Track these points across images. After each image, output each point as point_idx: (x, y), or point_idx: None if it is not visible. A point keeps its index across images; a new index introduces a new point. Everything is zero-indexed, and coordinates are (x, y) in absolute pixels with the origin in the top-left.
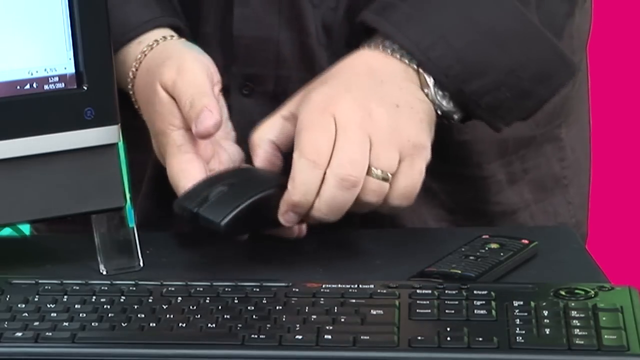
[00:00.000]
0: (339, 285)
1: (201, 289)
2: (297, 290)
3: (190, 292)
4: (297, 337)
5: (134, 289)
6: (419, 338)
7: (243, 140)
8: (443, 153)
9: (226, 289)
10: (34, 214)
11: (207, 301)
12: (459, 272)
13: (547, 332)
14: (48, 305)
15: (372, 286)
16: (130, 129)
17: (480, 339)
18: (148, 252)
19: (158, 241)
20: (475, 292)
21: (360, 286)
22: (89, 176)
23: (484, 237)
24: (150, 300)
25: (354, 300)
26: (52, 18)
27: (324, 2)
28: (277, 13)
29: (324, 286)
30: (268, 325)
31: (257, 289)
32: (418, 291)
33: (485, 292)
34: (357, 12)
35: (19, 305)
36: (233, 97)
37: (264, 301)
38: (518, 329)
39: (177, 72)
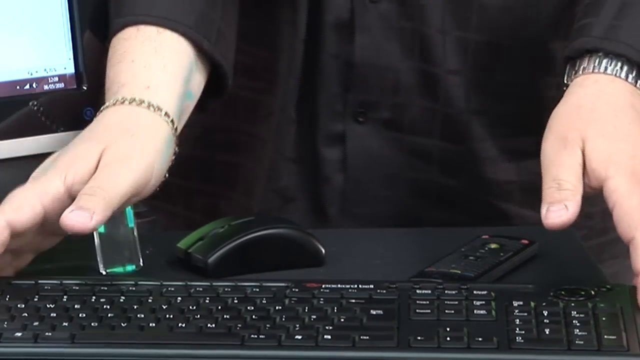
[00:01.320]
0: (339, 286)
1: (201, 289)
2: (296, 290)
3: (190, 292)
4: (296, 337)
5: (134, 289)
6: (419, 338)
7: (357, 168)
8: None
9: (226, 289)
10: None
11: (207, 301)
12: (459, 272)
13: (547, 332)
14: (47, 306)
15: (371, 286)
16: None
17: (480, 338)
18: (148, 252)
19: (158, 241)
20: (475, 292)
21: (360, 286)
22: None
23: (483, 237)
24: (150, 300)
25: (353, 301)
26: (52, 18)
27: (456, 29)
28: (398, 41)
29: (323, 286)
30: (267, 325)
31: (257, 289)
32: (418, 291)
33: (485, 292)
34: (497, 35)
35: (19, 306)
36: (347, 124)
37: (264, 301)
38: (518, 329)
39: (121, 158)
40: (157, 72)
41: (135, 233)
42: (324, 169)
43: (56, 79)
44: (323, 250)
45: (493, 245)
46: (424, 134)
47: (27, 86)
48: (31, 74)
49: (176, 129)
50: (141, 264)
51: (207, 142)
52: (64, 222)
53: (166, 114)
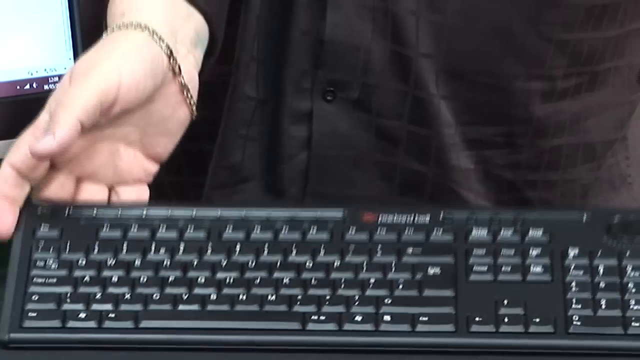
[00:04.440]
0: (395, 220)
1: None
2: (354, 227)
3: (248, 230)
4: (356, 318)
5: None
6: (477, 319)
7: (322, 147)
8: (537, 160)
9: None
10: None
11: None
12: None
13: (603, 306)
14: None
15: (427, 220)
16: None
17: (537, 319)
18: None
19: None
20: (530, 233)
21: (416, 219)
22: None
23: None
24: (209, 252)
25: (410, 251)
26: (52, 18)
27: (430, 12)
28: (370, 21)
29: (380, 221)
30: (327, 299)
31: (315, 226)
32: (474, 232)
33: (540, 233)
34: (472, 21)
35: (80, 262)
36: (315, 101)
37: (322, 253)
38: (574, 300)
39: (84, 71)
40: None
41: None
42: (286, 147)
43: (56, 79)
44: None
45: None
46: (392, 116)
47: (27, 86)
48: (31, 74)
49: (161, 39)
50: None
51: None
52: (31, 151)
53: (145, 26)
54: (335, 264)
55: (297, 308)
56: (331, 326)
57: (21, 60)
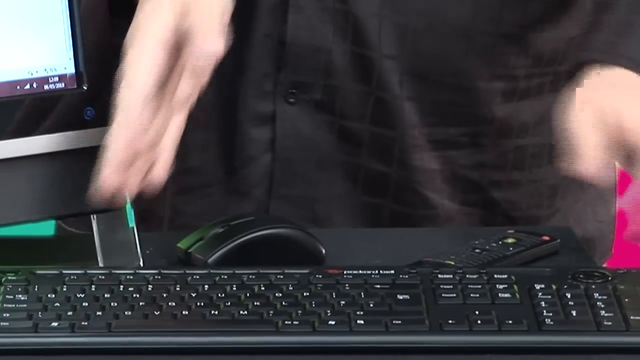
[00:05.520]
0: (360, 272)
1: (225, 277)
2: (319, 276)
3: (215, 280)
4: (329, 322)
5: (159, 277)
6: (450, 322)
7: (286, 149)
8: (502, 160)
9: (250, 277)
10: (34, 214)
11: (234, 289)
12: (452, 263)
13: (574, 314)
14: (78, 295)
15: (392, 272)
16: None
17: (510, 321)
18: (148, 252)
19: (158, 241)
20: (495, 276)
21: (381, 272)
22: (89, 176)
23: (508, 231)
24: (177, 289)
25: (378, 286)
26: (52, 18)
27: (394, 13)
28: (331, 22)
29: (345, 272)
30: (299, 312)
31: (281, 276)
32: (439, 276)
33: (505, 276)
34: (435, 22)
35: (49, 295)
36: (278, 103)
37: (290, 288)
38: (545, 311)
39: None
40: None
41: (136, 233)
42: (249, 149)
43: (56, 79)
44: (323, 250)
45: (509, 240)
46: (355, 117)
47: (27, 86)
48: (31, 74)
49: None
50: (141, 264)
51: None
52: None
53: None
54: (304, 294)
55: (270, 318)
56: (305, 328)
57: (21, 60)
